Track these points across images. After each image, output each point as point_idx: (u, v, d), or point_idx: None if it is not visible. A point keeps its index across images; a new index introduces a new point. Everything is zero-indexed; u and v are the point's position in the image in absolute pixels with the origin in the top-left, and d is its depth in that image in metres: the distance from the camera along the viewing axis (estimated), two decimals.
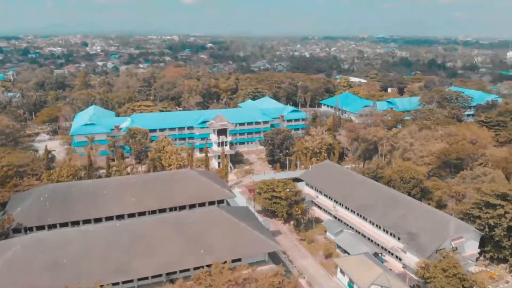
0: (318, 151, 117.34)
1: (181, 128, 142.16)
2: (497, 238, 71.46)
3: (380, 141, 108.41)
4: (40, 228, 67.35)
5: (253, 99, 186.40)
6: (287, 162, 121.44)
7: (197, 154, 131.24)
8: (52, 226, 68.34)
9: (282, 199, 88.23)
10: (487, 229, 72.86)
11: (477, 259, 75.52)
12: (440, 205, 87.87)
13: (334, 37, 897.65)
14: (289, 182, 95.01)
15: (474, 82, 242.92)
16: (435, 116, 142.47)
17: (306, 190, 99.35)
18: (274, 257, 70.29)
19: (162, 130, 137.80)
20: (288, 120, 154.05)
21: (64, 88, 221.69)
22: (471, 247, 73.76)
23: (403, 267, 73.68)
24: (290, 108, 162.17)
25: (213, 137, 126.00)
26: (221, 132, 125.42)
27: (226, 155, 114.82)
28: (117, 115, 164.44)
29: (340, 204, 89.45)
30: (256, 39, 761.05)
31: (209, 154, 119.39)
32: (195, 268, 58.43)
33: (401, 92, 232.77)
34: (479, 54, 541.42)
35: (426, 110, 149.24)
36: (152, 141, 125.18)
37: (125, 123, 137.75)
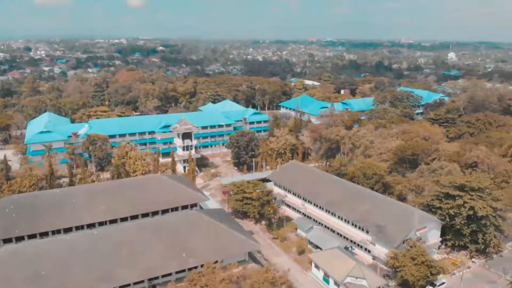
0: (282, 151, 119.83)
1: (141, 133, 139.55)
2: (457, 227, 76.62)
3: (342, 140, 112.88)
4: (7, 240, 63.88)
5: (214, 102, 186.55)
6: (253, 164, 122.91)
7: (160, 159, 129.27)
8: (20, 238, 65.07)
9: (253, 200, 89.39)
10: (447, 219, 77.90)
11: (439, 247, 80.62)
12: (401, 199, 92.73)
13: (284, 41, 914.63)
14: (259, 182, 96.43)
15: (420, 82, 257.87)
16: (389, 115, 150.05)
17: (275, 190, 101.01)
18: (250, 257, 71.19)
19: (122, 135, 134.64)
20: (251, 123, 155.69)
21: (11, 95, 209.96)
22: (434, 236, 78.69)
23: (373, 259, 77.26)
24: (251, 110, 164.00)
25: (178, 141, 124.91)
26: (186, 136, 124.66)
27: (193, 158, 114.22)
28: (72, 121, 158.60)
29: (308, 201, 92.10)
30: (207, 43, 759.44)
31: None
32: (177, 272, 58.22)
33: (353, 93, 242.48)
34: (421, 55, 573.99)
35: (380, 109, 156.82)
36: (112, 147, 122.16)
37: (83, 129, 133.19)
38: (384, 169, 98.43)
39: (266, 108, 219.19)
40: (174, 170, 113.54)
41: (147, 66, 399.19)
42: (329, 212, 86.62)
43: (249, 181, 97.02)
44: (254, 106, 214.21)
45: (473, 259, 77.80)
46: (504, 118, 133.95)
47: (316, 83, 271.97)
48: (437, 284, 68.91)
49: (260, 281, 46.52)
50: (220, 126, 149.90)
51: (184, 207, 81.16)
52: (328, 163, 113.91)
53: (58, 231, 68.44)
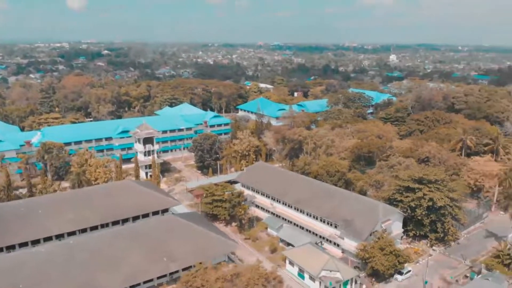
0: (246, 153, 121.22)
1: (98, 140, 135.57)
2: (418, 218, 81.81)
3: (305, 140, 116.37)
4: None
5: (171, 106, 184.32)
6: (218, 167, 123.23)
7: None
8: None
9: (223, 202, 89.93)
10: (409, 211, 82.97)
11: (401, 238, 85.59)
12: (361, 194, 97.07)
13: (233, 44, 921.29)
14: (227, 185, 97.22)
15: (367, 83, 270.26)
16: (343, 115, 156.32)
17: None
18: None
19: (77, 142, 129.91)
20: (211, 126, 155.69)
21: None
22: (397, 227, 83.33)
23: (342, 252, 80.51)
24: (211, 113, 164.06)
25: (139, 147, 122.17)
26: (147, 140, 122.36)
27: (157, 164, 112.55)
28: (22, 129, 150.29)
29: (277, 200, 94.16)
30: (155, 46, 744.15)
31: (132, 165, 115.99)
32: (159, 277, 57.72)
33: (305, 95, 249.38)
34: (365, 58, 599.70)
35: (335, 110, 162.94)
36: (69, 155, 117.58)
37: (36, 137, 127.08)
38: (345, 166, 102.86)
39: (223, 111, 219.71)
40: (137, 176, 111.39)
41: (94, 70, 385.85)
42: (297, 209, 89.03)
43: (217, 183, 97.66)
44: (211, 109, 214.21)
45: (433, 248, 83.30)
46: (450, 115, 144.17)
47: (269, 86, 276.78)
48: (404, 272, 73.40)
49: (255, 277, 47.55)
50: (180, 130, 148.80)
51: (155, 213, 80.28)
52: (291, 163, 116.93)
53: (26, 244, 65.25)
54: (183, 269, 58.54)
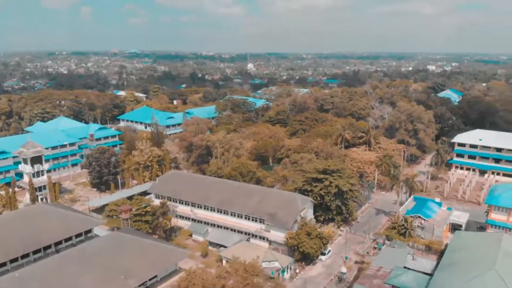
0: (149, 164, 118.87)
1: None
2: (327, 203, 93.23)
3: (214, 145, 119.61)
4: None
5: (43, 120, 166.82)
6: (119, 181, 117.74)
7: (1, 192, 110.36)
8: None
9: (143, 216, 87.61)
10: (318, 198, 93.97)
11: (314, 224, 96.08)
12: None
13: (83, 52, 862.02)
14: (141, 198, 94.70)
15: (240, 90, 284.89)
16: (234, 120, 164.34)
17: (156, 202, 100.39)
18: None
19: None
20: (98, 139, 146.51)
21: None
22: (309, 214, 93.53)
23: (269, 244, 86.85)
24: (96, 126, 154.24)
25: (27, 168, 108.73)
26: (35, 160, 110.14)
27: (54, 184, 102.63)
28: None
29: (198, 206, 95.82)
30: None
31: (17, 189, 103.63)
32: None
33: (184, 103, 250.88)
34: (225, 67, 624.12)
35: (225, 116, 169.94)
36: None
37: None
38: (255, 166, 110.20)
39: (99, 122, 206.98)
40: (34, 200, 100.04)
41: None
42: (221, 211, 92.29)
43: (130, 197, 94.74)
44: (85, 122, 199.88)
45: (340, 228, 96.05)
46: (324, 115, 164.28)
47: (141, 94, 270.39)
48: (326, 252, 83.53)
49: (250, 270, 49.58)
50: (63, 146, 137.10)
51: (78, 236, 74.77)
52: (199, 168, 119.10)
53: None
54: (140, 285, 57.20)
